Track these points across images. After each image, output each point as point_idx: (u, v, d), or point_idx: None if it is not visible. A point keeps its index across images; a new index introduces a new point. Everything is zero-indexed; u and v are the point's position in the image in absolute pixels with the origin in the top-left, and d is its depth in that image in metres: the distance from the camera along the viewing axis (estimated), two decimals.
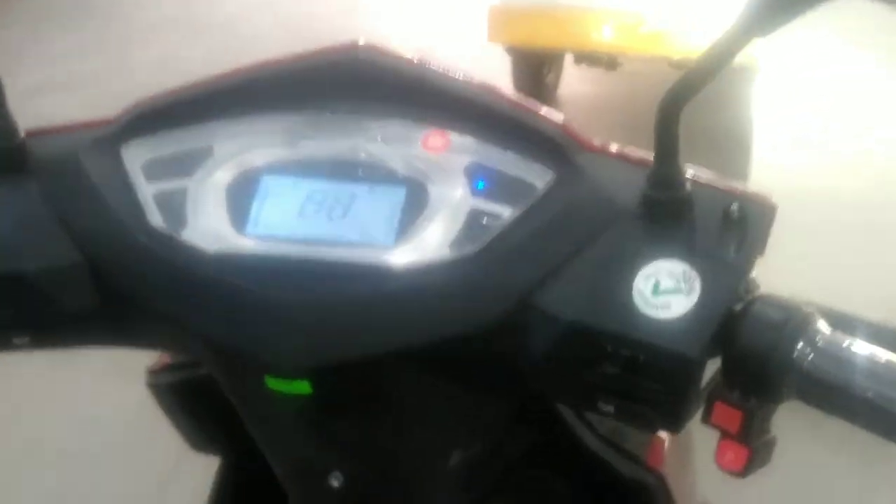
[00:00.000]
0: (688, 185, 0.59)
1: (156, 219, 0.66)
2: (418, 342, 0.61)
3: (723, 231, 0.59)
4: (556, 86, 4.90)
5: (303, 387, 0.63)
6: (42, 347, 0.69)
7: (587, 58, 4.29)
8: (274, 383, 0.64)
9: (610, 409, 0.59)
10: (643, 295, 0.57)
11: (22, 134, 0.69)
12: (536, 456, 0.78)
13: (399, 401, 0.67)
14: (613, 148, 0.65)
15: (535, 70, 4.65)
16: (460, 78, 0.68)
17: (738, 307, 0.57)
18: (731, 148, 4.00)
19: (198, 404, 0.83)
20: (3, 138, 0.69)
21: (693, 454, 0.86)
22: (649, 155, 0.60)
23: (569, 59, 4.57)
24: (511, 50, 4.45)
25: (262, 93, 0.70)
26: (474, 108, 0.66)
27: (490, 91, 0.67)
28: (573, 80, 4.90)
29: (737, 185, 0.62)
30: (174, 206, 0.66)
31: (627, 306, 0.57)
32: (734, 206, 0.59)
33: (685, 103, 0.56)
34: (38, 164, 0.69)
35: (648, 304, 0.57)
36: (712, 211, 0.60)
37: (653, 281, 0.57)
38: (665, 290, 0.57)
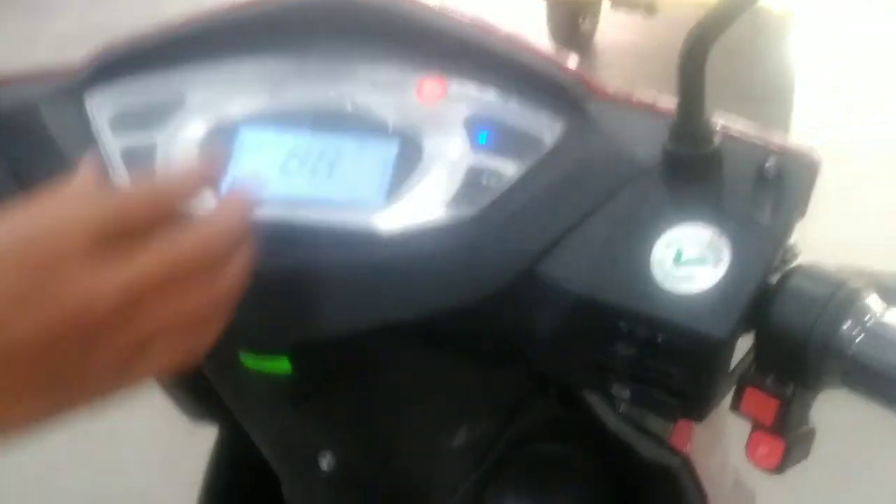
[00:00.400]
0: (716, 139, 0.51)
1: (121, 177, 0.60)
2: (409, 316, 0.54)
3: (757, 191, 0.51)
4: (592, 34, 4.76)
5: (281, 365, 0.57)
6: None
7: (624, 3, 4.15)
8: (250, 361, 0.58)
9: (625, 394, 0.52)
10: (663, 265, 0.50)
11: None
12: (555, 429, 0.71)
13: (391, 379, 0.60)
14: (632, 95, 0.57)
15: (571, 17, 4.51)
16: (460, 17, 0.60)
17: (774, 279, 0.49)
18: (770, 100, 3.84)
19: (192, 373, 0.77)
20: None
21: (724, 430, 0.78)
22: (674, 104, 0.52)
23: (605, 6, 4.43)
24: None
25: (239, 35, 0.62)
26: (475, 51, 0.59)
27: (492, 32, 0.59)
28: (610, 28, 4.75)
29: (774, 138, 0.53)
30: (142, 164, 0.60)
31: (645, 278, 0.49)
32: (770, 163, 0.51)
33: (711, 44, 0.48)
34: None
35: (669, 275, 0.49)
36: (745, 168, 0.52)
37: (674, 249, 0.50)
38: (689, 260, 0.49)
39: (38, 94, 0.63)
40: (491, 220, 0.54)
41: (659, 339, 0.49)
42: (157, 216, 0.46)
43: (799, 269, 0.50)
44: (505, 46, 0.59)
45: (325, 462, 0.64)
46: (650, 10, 4.09)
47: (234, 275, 0.48)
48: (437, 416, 0.63)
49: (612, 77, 0.58)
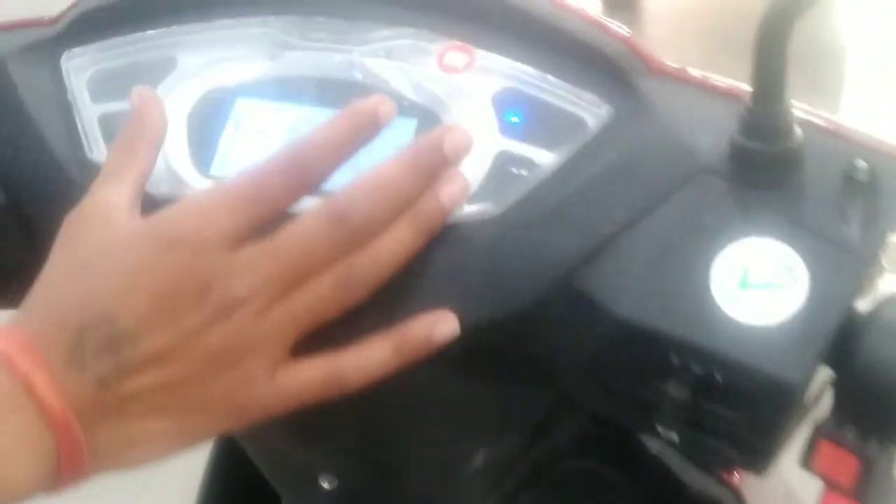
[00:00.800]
0: (797, 133, 0.43)
1: (98, 150, 0.52)
2: None
3: (843, 199, 0.42)
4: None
5: None
6: None
7: None
8: None
9: (672, 436, 0.44)
10: (725, 288, 0.41)
11: None
12: (587, 444, 0.63)
13: (399, 397, 0.52)
14: (695, 74, 0.48)
15: None
16: None
17: (862, 309, 0.41)
18: (819, 66, 3.68)
19: None
20: None
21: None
22: (745, 87, 0.43)
23: None
24: None
25: None
26: (508, 15, 0.50)
27: None
28: None
29: (862, 134, 0.44)
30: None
31: (703, 303, 0.41)
32: (860, 165, 0.42)
33: (796, 21, 0.40)
34: None
35: (733, 301, 0.41)
36: (830, 169, 0.43)
37: (741, 268, 0.41)
38: (757, 283, 0.41)
39: (5, 48, 0.56)
40: (520, 220, 0.46)
41: (717, 379, 0.40)
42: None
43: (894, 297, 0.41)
44: (543, 10, 0.50)
45: (328, 481, 0.57)
46: None
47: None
48: (453, 437, 0.55)
49: (667, 47, 0.49)
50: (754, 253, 0.41)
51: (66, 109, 0.54)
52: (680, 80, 0.48)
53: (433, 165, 0.46)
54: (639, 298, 0.42)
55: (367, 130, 0.46)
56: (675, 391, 0.41)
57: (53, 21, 0.57)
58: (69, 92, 0.55)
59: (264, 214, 0.44)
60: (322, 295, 0.44)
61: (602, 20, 0.50)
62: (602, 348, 0.44)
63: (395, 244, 0.45)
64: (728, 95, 0.46)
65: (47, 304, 0.44)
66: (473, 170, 0.47)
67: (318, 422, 0.52)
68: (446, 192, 0.46)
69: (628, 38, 0.49)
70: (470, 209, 0.46)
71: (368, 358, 0.45)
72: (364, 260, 0.45)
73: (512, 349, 0.47)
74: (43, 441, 0.41)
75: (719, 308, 0.41)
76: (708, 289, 0.41)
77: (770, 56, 0.41)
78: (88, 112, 0.54)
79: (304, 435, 0.54)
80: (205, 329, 0.43)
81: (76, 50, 0.56)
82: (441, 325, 0.45)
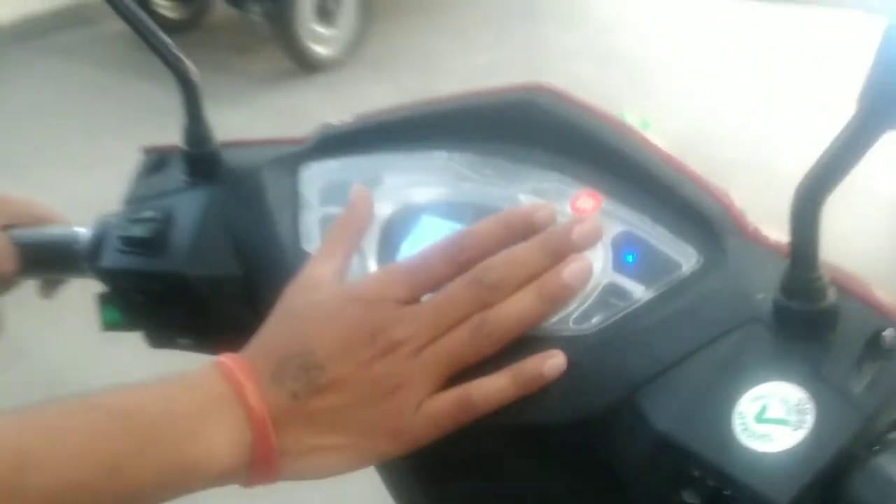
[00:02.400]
0: (830, 296, 0.51)
1: (312, 243, 0.68)
2: (512, 421, 0.57)
3: (864, 359, 0.49)
4: None
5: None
6: (201, 351, 0.73)
7: None
8: None
9: None
10: (744, 419, 0.49)
11: (216, 143, 0.74)
12: None
13: (498, 481, 0.63)
14: (769, 235, 0.57)
15: None
16: (631, 136, 0.62)
17: (859, 454, 0.48)
18: None
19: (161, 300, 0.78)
20: (199, 145, 0.74)
21: None
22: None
23: None
24: None
25: (436, 128, 0.69)
26: (636, 173, 0.61)
27: (655, 154, 0.61)
28: None
29: (892, 302, 0.51)
30: None
31: (725, 429, 0.49)
32: (888, 333, 0.49)
33: (824, 198, 0.47)
34: (226, 173, 0.73)
35: (748, 430, 0.49)
36: (859, 332, 0.50)
37: (760, 404, 0.49)
38: (770, 419, 0.48)
39: (263, 158, 0.73)
40: (610, 341, 0.55)
41: (725, 493, 0.49)
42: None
43: (892, 444, 0.48)
44: (664, 172, 0.60)
45: None
46: None
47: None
48: None
49: None
50: (776, 393, 0.49)
51: (296, 209, 0.69)
52: (757, 240, 0.57)
53: (561, 247, 0.57)
54: (677, 418, 0.51)
55: (519, 229, 0.59)
56: (690, 498, 0.50)
57: (299, 140, 0.74)
58: (301, 196, 0.70)
59: (426, 285, 0.58)
60: (461, 342, 0.56)
61: (708, 182, 0.60)
62: (641, 455, 0.52)
63: (521, 306, 0.56)
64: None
65: (263, 342, 0.58)
66: (584, 295, 0.58)
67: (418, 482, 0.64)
68: (569, 269, 0.57)
69: (727, 201, 0.59)
70: (573, 326, 0.57)
71: (492, 387, 0.55)
72: (495, 315, 0.56)
73: (578, 444, 0.56)
74: (244, 435, 0.54)
75: (736, 435, 0.48)
76: (731, 419, 0.49)
77: (804, 227, 0.49)
78: (313, 213, 0.69)
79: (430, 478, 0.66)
80: (372, 363, 0.55)
81: (312, 164, 0.71)
82: (551, 361, 0.55)
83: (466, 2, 6.25)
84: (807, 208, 0.48)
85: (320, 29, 5.20)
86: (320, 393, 0.55)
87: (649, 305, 0.56)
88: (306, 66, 5.20)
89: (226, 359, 0.57)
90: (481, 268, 0.57)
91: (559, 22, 5.78)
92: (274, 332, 0.59)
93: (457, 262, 0.58)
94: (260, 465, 0.54)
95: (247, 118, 4.37)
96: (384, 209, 0.67)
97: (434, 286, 0.58)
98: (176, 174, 0.77)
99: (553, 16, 5.90)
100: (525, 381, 0.55)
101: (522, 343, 0.57)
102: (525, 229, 0.59)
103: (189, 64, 0.73)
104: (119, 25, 0.75)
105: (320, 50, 5.22)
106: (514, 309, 0.56)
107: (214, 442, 0.53)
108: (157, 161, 0.79)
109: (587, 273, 0.57)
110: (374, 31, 5.45)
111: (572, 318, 0.57)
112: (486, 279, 0.57)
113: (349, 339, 0.56)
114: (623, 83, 4.61)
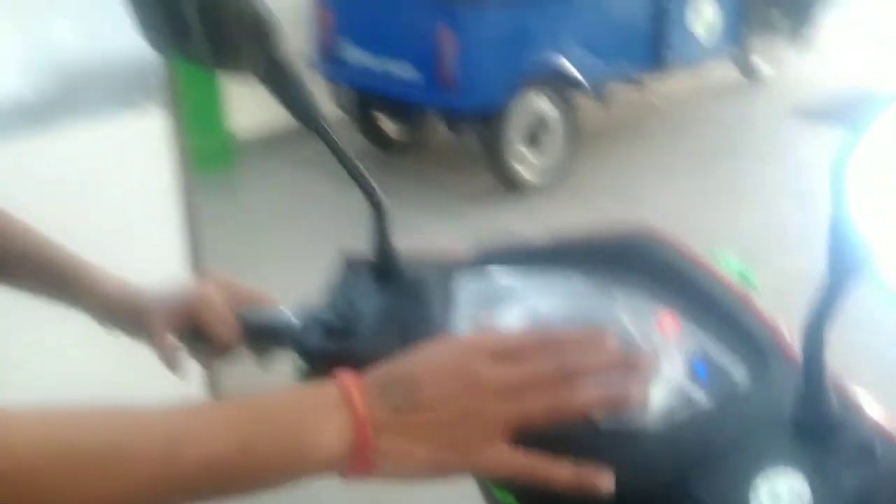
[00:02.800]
0: (834, 406, 0.65)
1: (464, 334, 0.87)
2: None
3: (856, 460, 0.63)
4: None
5: (507, 498, 0.78)
6: None
7: None
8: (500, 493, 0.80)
9: None
10: (758, 495, 0.63)
11: (397, 255, 0.95)
12: None
13: None
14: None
15: None
16: (711, 275, 0.79)
17: None
18: None
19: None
20: (383, 257, 0.94)
21: None
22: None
23: None
24: None
25: (563, 255, 0.87)
26: (709, 303, 0.77)
27: (728, 289, 0.78)
28: None
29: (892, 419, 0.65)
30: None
31: (736, 497, 0.64)
32: (877, 448, 0.63)
33: (827, 330, 0.62)
34: (400, 279, 0.94)
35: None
36: (858, 444, 0.64)
37: (771, 486, 0.63)
38: (775, 494, 0.63)
39: (431, 266, 0.94)
40: (671, 438, 0.70)
41: None
42: (530, 352, 0.71)
43: None
44: (732, 304, 0.77)
45: None
46: None
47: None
48: None
49: None
50: (783, 478, 0.64)
51: (444, 309, 0.88)
52: (792, 357, 0.72)
53: (625, 365, 0.71)
54: (702, 486, 0.66)
55: (590, 348, 0.72)
56: None
57: (460, 254, 0.94)
58: (452, 299, 0.89)
59: (515, 357, 0.70)
60: (535, 404, 0.68)
61: (766, 314, 0.76)
62: None
63: (584, 393, 0.69)
64: None
65: (382, 369, 0.71)
66: (660, 397, 0.73)
67: None
68: (626, 384, 0.70)
69: (776, 327, 0.74)
70: (647, 423, 0.72)
71: (555, 472, 0.67)
72: (564, 394, 0.69)
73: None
74: (347, 433, 0.66)
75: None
76: (747, 494, 0.64)
77: (811, 357, 0.64)
78: (464, 312, 0.89)
79: None
80: (460, 394, 0.68)
81: (467, 274, 0.91)
82: (604, 478, 0.69)
83: (672, 137, 6.46)
84: (816, 332, 0.63)
85: (528, 155, 5.51)
86: (417, 410, 0.68)
87: (710, 412, 0.72)
88: (511, 187, 5.51)
89: (345, 374, 0.70)
90: (568, 359, 0.72)
91: (758, 160, 5.89)
92: (393, 362, 0.72)
93: (544, 350, 0.71)
94: (357, 459, 0.66)
95: (452, 229, 4.79)
96: (510, 315, 0.85)
97: (524, 359, 0.71)
98: (364, 278, 0.97)
99: (754, 154, 6.02)
100: (582, 484, 0.67)
101: (603, 431, 0.72)
102: (598, 349, 0.72)
103: (379, 190, 0.94)
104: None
105: (526, 174, 5.52)
106: (578, 394, 0.69)
107: (324, 434, 0.66)
108: (351, 264, 1.00)
109: (643, 397, 0.70)
110: (579, 159, 5.71)
111: (649, 417, 0.73)
112: (563, 362, 0.70)
113: (447, 375, 0.69)
114: (814, 222, 4.62)
